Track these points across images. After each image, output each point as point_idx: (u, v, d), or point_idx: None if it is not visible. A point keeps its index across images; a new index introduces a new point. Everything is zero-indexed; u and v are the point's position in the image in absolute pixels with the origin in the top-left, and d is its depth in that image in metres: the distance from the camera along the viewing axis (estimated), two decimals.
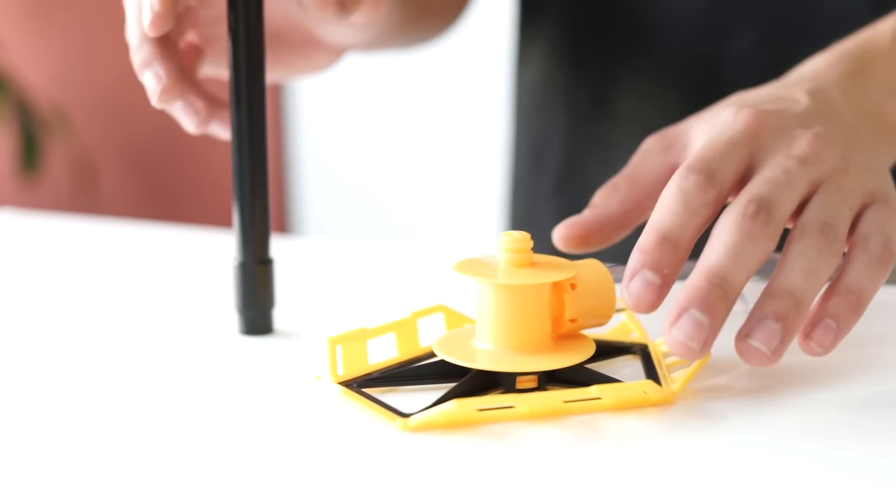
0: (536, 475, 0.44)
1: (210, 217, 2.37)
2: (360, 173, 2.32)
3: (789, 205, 0.51)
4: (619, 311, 0.55)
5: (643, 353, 0.55)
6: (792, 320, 0.48)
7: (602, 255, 0.57)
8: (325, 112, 2.32)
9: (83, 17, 2.40)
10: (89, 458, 0.46)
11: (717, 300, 0.47)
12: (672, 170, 0.58)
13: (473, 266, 0.52)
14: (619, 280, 0.53)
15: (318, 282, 0.74)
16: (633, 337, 0.57)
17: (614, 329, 0.58)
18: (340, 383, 0.51)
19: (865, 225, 0.53)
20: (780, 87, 0.60)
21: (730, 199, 0.52)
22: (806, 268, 0.49)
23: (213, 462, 0.45)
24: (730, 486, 0.43)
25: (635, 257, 0.49)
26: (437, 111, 2.18)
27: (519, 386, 0.50)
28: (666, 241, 0.49)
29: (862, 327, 0.52)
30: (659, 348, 0.55)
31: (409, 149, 2.24)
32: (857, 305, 0.50)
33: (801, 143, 0.54)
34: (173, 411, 0.50)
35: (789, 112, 0.56)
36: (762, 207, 0.50)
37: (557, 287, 0.51)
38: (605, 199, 0.60)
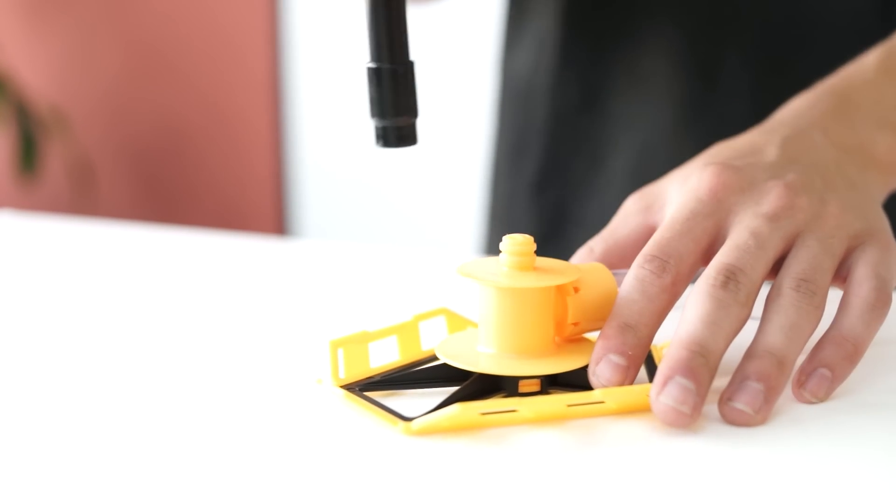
0: (539, 479, 0.43)
1: (209, 218, 2.37)
2: (359, 175, 2.31)
3: (761, 267, 0.51)
4: None
5: (646, 357, 0.54)
6: (774, 379, 0.48)
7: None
8: (323, 115, 2.32)
9: (81, 19, 2.39)
10: (86, 460, 0.45)
11: (699, 367, 0.47)
12: (649, 231, 0.58)
13: (476, 269, 0.51)
14: (621, 284, 0.53)
15: (319, 284, 0.74)
16: None
17: None
18: (342, 387, 0.51)
19: (857, 268, 0.52)
20: (758, 134, 0.60)
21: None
22: (785, 325, 0.49)
23: (214, 465, 0.45)
24: (734, 490, 0.42)
25: (600, 344, 0.49)
26: (437, 111, 2.18)
27: (522, 390, 0.50)
28: (626, 327, 0.49)
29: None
30: (662, 352, 0.55)
31: (409, 148, 2.24)
32: (854, 354, 0.50)
33: (771, 197, 0.53)
34: (172, 414, 0.50)
35: (759, 164, 0.56)
36: (730, 277, 0.50)
37: (560, 290, 0.51)
38: (580, 262, 0.60)
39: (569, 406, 0.48)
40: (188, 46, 2.32)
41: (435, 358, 0.54)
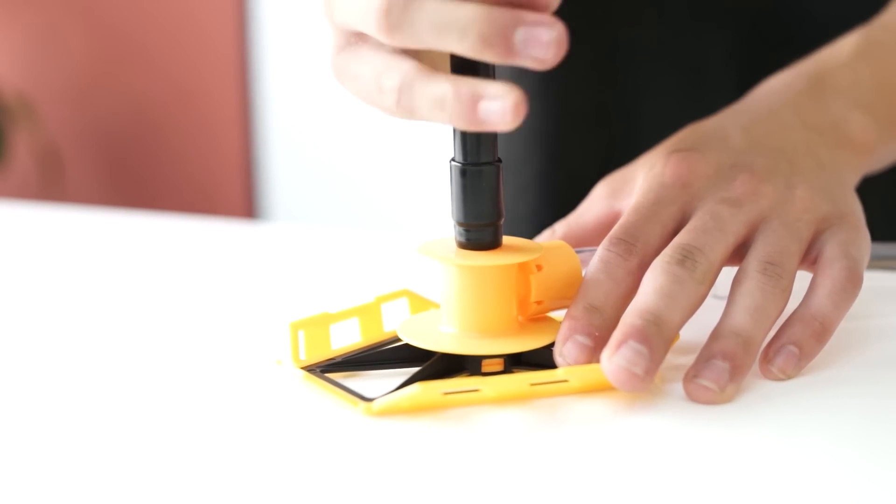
0: (501, 459, 0.43)
1: (178, 203, 2.35)
2: (328, 158, 2.31)
3: (720, 249, 0.51)
4: None
5: None
6: (740, 358, 0.48)
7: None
8: (292, 98, 2.31)
9: (46, 4, 2.37)
10: (47, 444, 0.45)
11: (652, 335, 0.46)
12: (613, 216, 0.58)
13: (438, 248, 0.51)
14: (585, 263, 0.53)
15: (282, 266, 0.74)
16: None
17: None
18: (302, 368, 0.50)
19: (828, 249, 0.52)
20: (728, 116, 0.59)
21: None
22: (751, 307, 0.49)
23: (172, 446, 0.44)
24: (696, 468, 0.42)
25: (566, 324, 0.49)
26: None
27: (485, 369, 0.50)
28: (593, 309, 0.49)
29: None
30: None
31: (378, 132, 2.23)
32: (822, 333, 0.50)
33: (735, 184, 0.53)
34: (133, 395, 0.50)
35: (726, 149, 0.55)
36: (687, 255, 0.49)
37: (523, 268, 0.51)
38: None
39: (532, 385, 0.47)
40: (155, 30, 2.30)
41: (397, 339, 0.53)
